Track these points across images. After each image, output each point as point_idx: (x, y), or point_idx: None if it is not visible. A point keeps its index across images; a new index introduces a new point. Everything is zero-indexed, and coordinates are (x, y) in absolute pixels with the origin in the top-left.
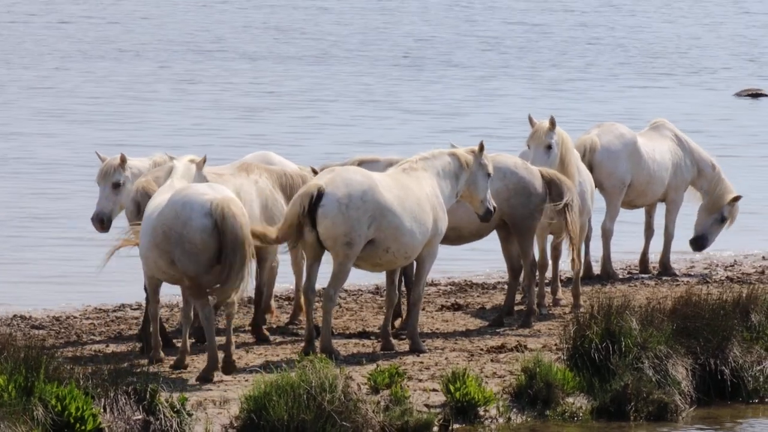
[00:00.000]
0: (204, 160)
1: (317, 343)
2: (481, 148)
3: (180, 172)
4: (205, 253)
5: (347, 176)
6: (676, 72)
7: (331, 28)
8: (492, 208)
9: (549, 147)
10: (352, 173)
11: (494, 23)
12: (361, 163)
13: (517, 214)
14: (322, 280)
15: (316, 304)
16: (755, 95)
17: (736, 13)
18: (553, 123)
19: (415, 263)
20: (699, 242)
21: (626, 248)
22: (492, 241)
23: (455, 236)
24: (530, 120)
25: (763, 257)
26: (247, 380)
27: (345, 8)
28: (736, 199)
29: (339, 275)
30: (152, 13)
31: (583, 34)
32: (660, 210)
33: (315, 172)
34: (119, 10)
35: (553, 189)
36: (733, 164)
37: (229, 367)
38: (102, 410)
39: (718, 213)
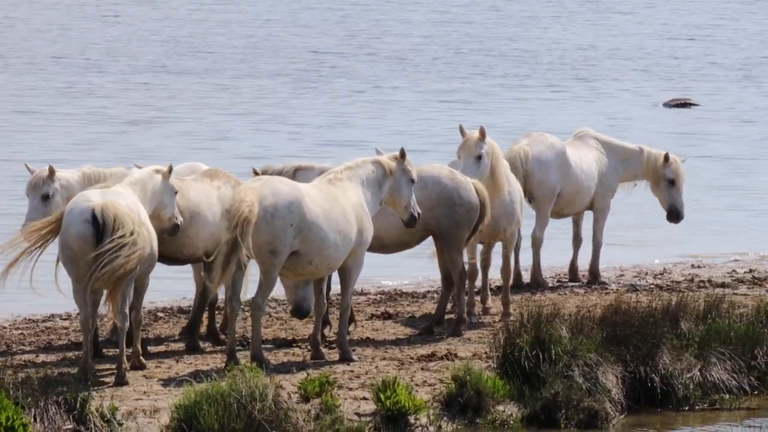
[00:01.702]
0: (170, 170)
1: (244, 354)
2: (403, 154)
3: (129, 179)
4: (82, 259)
5: (275, 186)
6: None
7: (226, 41)
8: (416, 215)
9: (479, 157)
10: (279, 183)
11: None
12: (298, 170)
13: (441, 224)
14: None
15: (246, 313)
16: (683, 105)
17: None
18: (483, 133)
19: (339, 273)
20: (672, 215)
21: (555, 257)
22: (422, 248)
23: (378, 245)
24: (461, 130)
25: (692, 265)
26: (177, 389)
27: (248, 19)
28: (666, 157)
29: (265, 284)
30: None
31: (483, 46)
32: (588, 218)
33: (256, 173)
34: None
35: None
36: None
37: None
38: (32, 420)
39: (663, 181)
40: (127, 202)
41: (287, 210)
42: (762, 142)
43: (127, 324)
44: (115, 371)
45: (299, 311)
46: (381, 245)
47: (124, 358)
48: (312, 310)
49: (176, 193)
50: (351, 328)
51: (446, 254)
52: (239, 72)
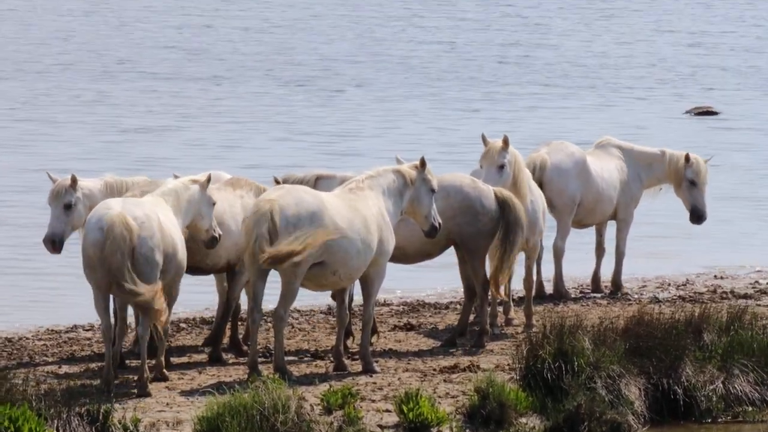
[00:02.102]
0: (208, 180)
1: (267, 365)
2: (423, 163)
3: (162, 189)
4: (100, 267)
5: (297, 195)
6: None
7: (235, 47)
8: (437, 225)
9: (501, 167)
10: (302, 192)
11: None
12: (319, 179)
13: (464, 232)
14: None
15: (269, 324)
16: (706, 113)
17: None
18: (506, 142)
19: (361, 283)
20: (694, 216)
21: (578, 268)
22: (444, 258)
23: (400, 255)
24: (483, 139)
25: (715, 276)
26: (200, 401)
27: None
28: (687, 157)
29: (288, 294)
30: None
31: (499, 53)
32: (611, 229)
33: (277, 182)
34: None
35: (505, 212)
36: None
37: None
38: (55, 431)
39: (685, 181)
40: (146, 211)
41: (309, 221)
42: None
43: (148, 334)
44: (137, 382)
45: None
46: (403, 255)
47: (146, 368)
48: None
49: (214, 204)
50: (374, 339)
51: (469, 264)
52: (250, 79)
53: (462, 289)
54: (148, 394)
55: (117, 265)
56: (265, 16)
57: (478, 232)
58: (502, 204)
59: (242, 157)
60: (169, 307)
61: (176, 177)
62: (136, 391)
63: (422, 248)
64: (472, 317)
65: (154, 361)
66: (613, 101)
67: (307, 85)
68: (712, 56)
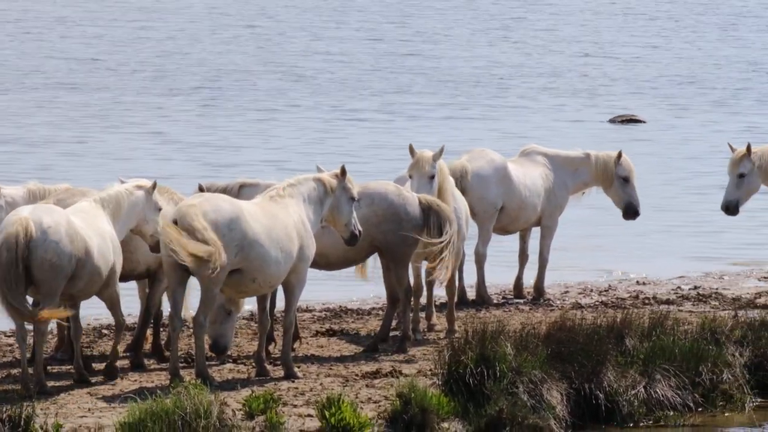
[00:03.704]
0: (154, 186)
1: (189, 371)
2: (343, 172)
3: (100, 194)
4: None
5: (216, 203)
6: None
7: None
8: (357, 233)
9: (432, 177)
10: (220, 200)
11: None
12: (242, 186)
13: (388, 240)
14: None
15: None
16: (630, 121)
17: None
18: (440, 152)
19: (283, 290)
20: (630, 212)
21: (501, 274)
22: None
23: (324, 262)
24: (411, 150)
25: (637, 282)
26: (122, 407)
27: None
28: (619, 155)
29: (207, 301)
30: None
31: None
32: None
33: (201, 189)
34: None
35: (432, 217)
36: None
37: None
38: None
39: (617, 179)
40: (56, 218)
41: (228, 228)
42: (701, 161)
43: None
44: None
45: (216, 348)
46: (327, 263)
47: (116, 350)
48: (229, 347)
49: (160, 209)
50: (296, 345)
51: (392, 271)
52: (140, 89)
53: (385, 296)
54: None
55: (3, 272)
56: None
57: (402, 239)
58: (427, 208)
59: (128, 168)
60: (114, 310)
61: (122, 182)
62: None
63: (346, 255)
64: (394, 323)
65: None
66: (527, 110)
67: (193, 95)
68: (638, 65)
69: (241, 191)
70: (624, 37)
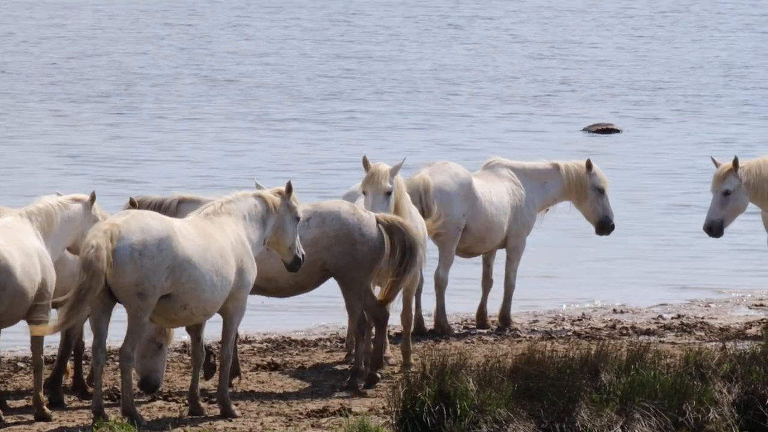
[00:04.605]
0: (92, 198)
1: (115, 409)
2: (289, 189)
3: (28, 208)
4: None
5: (144, 221)
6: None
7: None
8: (300, 256)
9: (389, 193)
10: (149, 218)
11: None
12: (181, 202)
13: (340, 264)
14: None
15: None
16: (606, 131)
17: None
18: (398, 167)
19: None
20: (605, 227)
21: (462, 301)
22: (313, 293)
23: (272, 288)
24: (365, 163)
25: (614, 310)
26: None
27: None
28: (589, 164)
29: (135, 330)
30: None
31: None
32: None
33: (133, 204)
34: None
35: (396, 238)
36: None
37: None
38: None
39: (592, 191)
40: None
41: (157, 248)
42: (672, 176)
43: None
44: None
45: (147, 385)
46: (276, 288)
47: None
48: (160, 383)
49: None
50: (234, 381)
51: (344, 297)
52: (45, 94)
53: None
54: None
55: None
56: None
57: (355, 262)
58: (389, 228)
59: (27, 183)
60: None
61: (59, 194)
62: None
63: (296, 280)
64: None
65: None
66: (473, 119)
67: (105, 101)
68: (621, 72)
69: (180, 207)
70: (591, 38)
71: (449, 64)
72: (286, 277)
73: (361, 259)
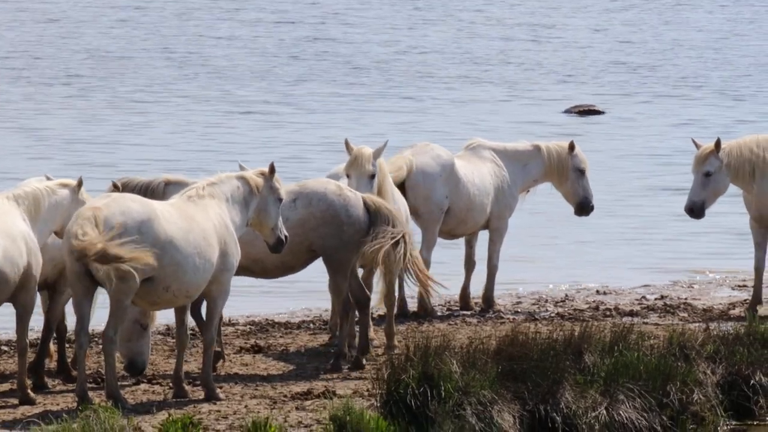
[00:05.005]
0: (80, 183)
1: (99, 392)
2: (272, 170)
3: (14, 191)
4: None
5: (124, 203)
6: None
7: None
8: (284, 237)
9: (373, 176)
10: (129, 201)
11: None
12: (168, 184)
13: (327, 245)
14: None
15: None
16: (586, 112)
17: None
18: (381, 150)
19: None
20: (585, 208)
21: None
22: (301, 274)
23: (259, 269)
24: (347, 145)
25: (597, 291)
26: None
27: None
28: (571, 146)
29: (117, 313)
30: None
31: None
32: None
33: (116, 188)
34: None
35: (380, 220)
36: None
37: None
38: None
39: (573, 172)
40: None
41: (138, 231)
42: (660, 158)
43: None
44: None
45: (133, 368)
46: (262, 269)
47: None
48: (146, 366)
49: None
50: (218, 365)
51: (330, 278)
52: (10, 78)
53: (325, 307)
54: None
55: None
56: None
57: (342, 244)
58: (375, 213)
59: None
60: (22, 324)
61: (48, 178)
62: None
63: (283, 261)
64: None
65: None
66: (470, 100)
67: (72, 84)
68: (606, 52)
69: (166, 189)
70: (566, 19)
71: (421, 46)
72: (272, 258)
73: (348, 240)
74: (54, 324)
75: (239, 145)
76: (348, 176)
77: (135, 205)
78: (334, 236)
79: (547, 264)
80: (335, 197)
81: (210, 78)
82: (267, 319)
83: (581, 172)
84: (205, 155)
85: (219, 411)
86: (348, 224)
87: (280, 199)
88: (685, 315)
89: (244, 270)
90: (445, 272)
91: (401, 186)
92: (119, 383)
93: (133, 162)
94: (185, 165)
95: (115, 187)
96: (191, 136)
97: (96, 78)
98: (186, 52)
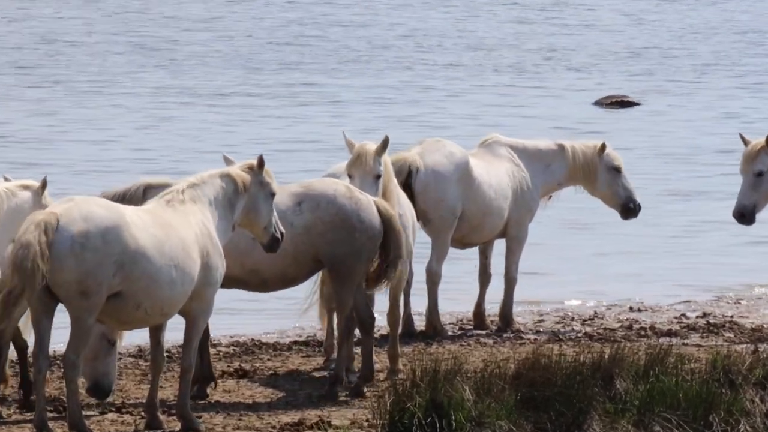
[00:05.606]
0: (44, 185)
1: (61, 423)
2: (261, 163)
3: None
4: None
5: (88, 208)
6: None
7: None
8: (279, 236)
9: (378, 176)
10: (94, 205)
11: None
12: (148, 188)
13: (336, 253)
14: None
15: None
16: (619, 103)
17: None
18: (385, 146)
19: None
20: (631, 209)
21: (458, 298)
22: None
23: (257, 281)
24: (348, 142)
25: (630, 308)
26: None
27: None
28: (603, 147)
29: (79, 334)
30: None
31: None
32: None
33: None
34: None
35: (392, 243)
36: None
37: None
38: None
39: (605, 171)
40: None
41: (102, 239)
42: (697, 156)
43: None
44: None
45: (99, 390)
46: (260, 282)
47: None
48: (113, 387)
49: None
50: (209, 389)
51: (335, 291)
52: None
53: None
54: None
55: None
56: None
57: (352, 252)
58: (388, 227)
59: None
60: None
61: (7, 179)
62: None
63: (284, 272)
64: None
65: None
66: (491, 91)
67: (21, 74)
68: (638, 39)
69: (146, 193)
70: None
71: (424, 28)
72: (272, 269)
73: (359, 248)
74: (2, 342)
75: (213, 142)
76: (350, 176)
77: (100, 210)
78: (344, 243)
79: (563, 278)
80: (346, 200)
81: (177, 66)
82: (253, 340)
83: (617, 171)
84: (169, 153)
85: None
86: (360, 231)
87: (273, 194)
88: (731, 335)
89: (238, 282)
90: (457, 287)
91: (407, 188)
92: (84, 412)
93: (94, 162)
94: (148, 165)
95: None
96: (160, 131)
97: (51, 66)
98: (149, 37)
